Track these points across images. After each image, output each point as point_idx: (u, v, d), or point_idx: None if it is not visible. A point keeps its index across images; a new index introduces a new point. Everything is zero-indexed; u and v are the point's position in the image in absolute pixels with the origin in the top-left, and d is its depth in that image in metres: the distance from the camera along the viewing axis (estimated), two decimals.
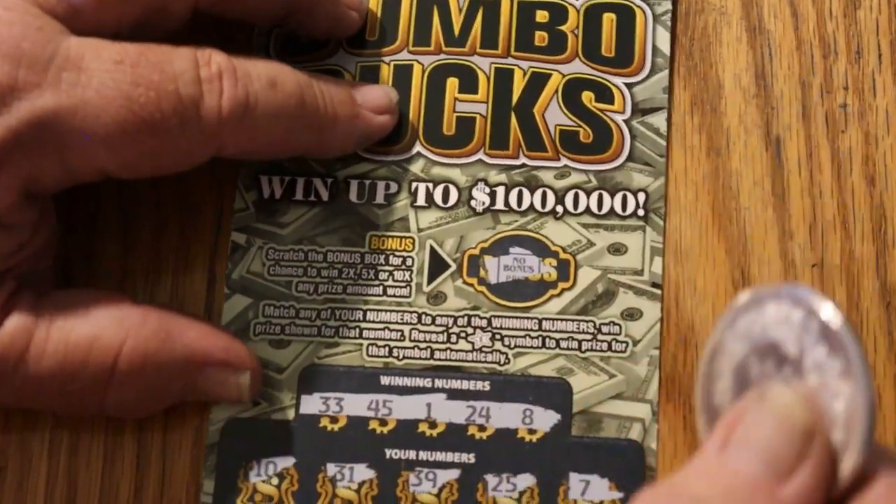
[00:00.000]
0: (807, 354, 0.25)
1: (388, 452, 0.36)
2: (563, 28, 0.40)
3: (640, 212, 0.39)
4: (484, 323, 0.38)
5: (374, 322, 0.37)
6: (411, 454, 0.36)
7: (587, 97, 0.40)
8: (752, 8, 0.43)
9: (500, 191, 0.39)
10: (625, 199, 0.39)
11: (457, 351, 0.37)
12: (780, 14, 0.43)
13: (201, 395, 0.36)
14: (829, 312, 0.25)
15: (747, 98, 0.42)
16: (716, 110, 0.42)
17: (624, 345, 0.38)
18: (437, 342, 0.37)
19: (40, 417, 0.39)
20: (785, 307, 0.26)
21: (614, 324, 0.38)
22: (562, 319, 0.38)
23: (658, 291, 0.38)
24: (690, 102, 0.42)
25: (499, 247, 0.38)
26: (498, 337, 0.37)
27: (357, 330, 0.37)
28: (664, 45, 0.40)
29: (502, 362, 0.37)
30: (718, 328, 0.28)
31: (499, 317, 0.38)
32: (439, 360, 0.37)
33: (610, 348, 0.38)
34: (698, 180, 0.42)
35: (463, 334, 0.37)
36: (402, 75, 0.40)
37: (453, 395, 0.37)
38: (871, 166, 0.41)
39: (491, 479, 0.36)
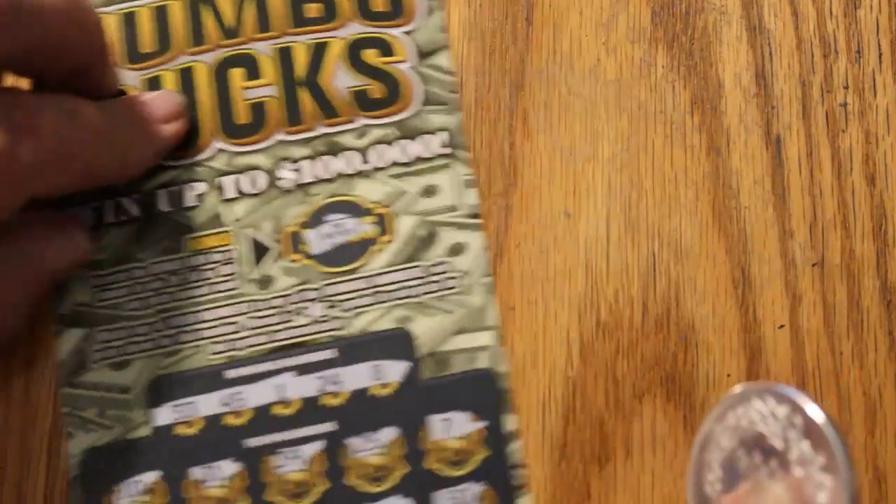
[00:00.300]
0: (792, 448, 0.26)
1: (249, 442, 0.38)
2: None
3: (445, 150, 0.41)
4: (316, 294, 0.39)
5: (209, 321, 0.39)
6: (273, 438, 0.38)
7: (371, 55, 0.42)
8: (753, 7, 0.43)
9: (306, 164, 0.40)
10: (427, 142, 0.41)
11: (296, 327, 0.39)
12: (781, 13, 0.43)
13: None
14: (812, 409, 0.26)
15: (747, 97, 0.42)
16: (716, 109, 0.42)
17: (455, 280, 0.40)
18: (274, 324, 0.39)
19: (40, 417, 0.39)
20: (771, 403, 0.27)
21: (441, 263, 0.40)
22: (390, 272, 0.40)
23: (477, 221, 0.40)
24: (690, 102, 0.42)
25: (315, 218, 0.40)
26: (333, 304, 0.39)
27: (194, 332, 0.39)
28: None
29: (342, 327, 0.39)
30: (708, 420, 0.29)
31: (330, 284, 0.39)
32: (281, 340, 0.39)
33: (443, 287, 0.39)
34: (698, 180, 0.42)
35: (298, 310, 0.39)
36: (187, 78, 0.41)
37: (302, 370, 0.39)
38: (871, 165, 0.41)
39: (354, 441, 0.38)
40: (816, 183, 0.41)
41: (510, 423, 0.38)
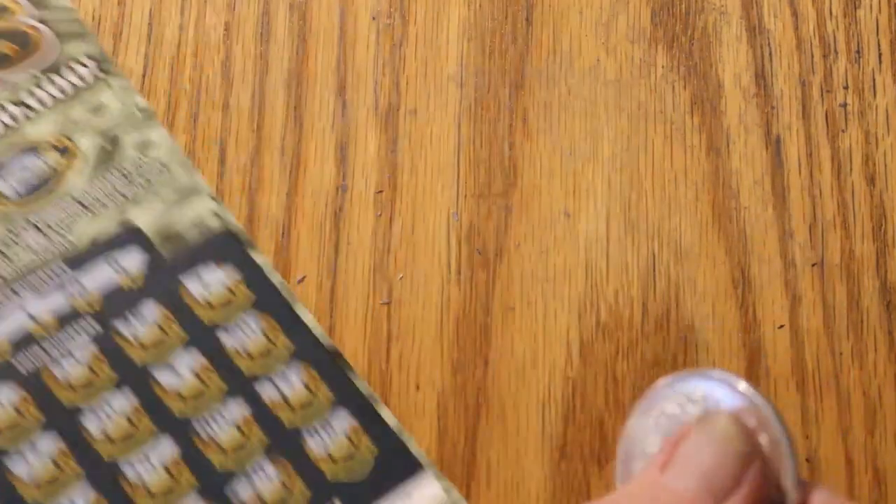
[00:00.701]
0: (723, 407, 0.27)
1: (21, 367, 0.39)
2: None
3: (99, 73, 0.44)
4: (27, 227, 0.41)
5: None
6: (41, 356, 0.39)
7: None
8: (752, 7, 0.43)
9: None
10: (79, 72, 0.44)
11: (18, 259, 0.41)
12: (780, 13, 0.43)
13: None
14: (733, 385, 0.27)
15: (747, 97, 0.42)
16: (716, 110, 0.42)
17: (157, 170, 0.42)
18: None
19: None
20: (693, 384, 0.28)
21: (138, 161, 0.42)
22: (93, 185, 0.42)
23: (152, 109, 0.43)
24: (690, 102, 0.42)
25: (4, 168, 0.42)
26: (49, 233, 0.41)
27: None
28: None
29: (67, 245, 0.41)
30: (632, 416, 0.29)
31: (36, 214, 0.41)
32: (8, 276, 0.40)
33: (147, 180, 0.42)
34: (698, 180, 0.42)
35: (12, 243, 0.41)
36: None
37: (44, 293, 0.40)
38: (871, 165, 0.41)
39: (120, 326, 0.39)
40: (816, 183, 0.41)
41: (259, 257, 0.40)
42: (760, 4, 0.43)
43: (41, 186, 0.42)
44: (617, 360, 0.40)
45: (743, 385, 0.28)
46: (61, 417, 0.38)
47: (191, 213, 0.41)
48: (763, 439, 0.27)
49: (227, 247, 0.41)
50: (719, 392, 0.28)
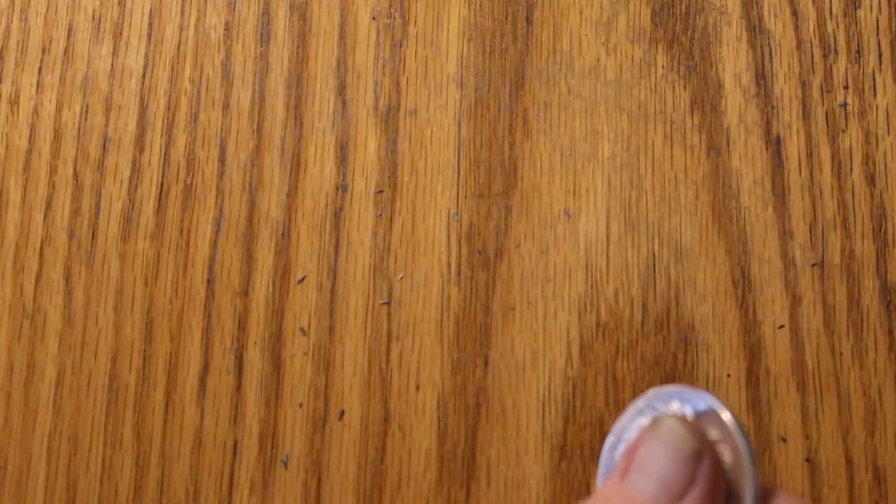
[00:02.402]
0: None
1: None
2: None
3: None
4: None
5: None
6: None
7: None
8: (753, 7, 0.43)
9: None
10: None
11: None
12: (781, 13, 0.43)
13: None
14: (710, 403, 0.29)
15: (747, 97, 0.42)
16: (716, 109, 0.42)
17: None
18: None
19: (40, 417, 0.39)
20: (675, 405, 0.29)
21: None
22: None
23: None
24: (690, 102, 0.42)
25: None
26: None
27: None
28: None
29: None
30: (618, 422, 0.30)
31: None
32: None
33: None
34: (698, 180, 0.42)
35: None
36: None
37: None
38: (871, 165, 0.41)
39: None
40: (816, 183, 0.41)
41: None
42: (760, 4, 0.43)
43: None
44: (617, 360, 0.40)
45: (707, 396, 0.29)
46: None
47: None
48: (724, 447, 0.28)
49: None
50: (685, 401, 0.29)
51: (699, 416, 0.29)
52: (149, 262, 0.43)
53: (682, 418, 0.28)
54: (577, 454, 0.39)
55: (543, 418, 0.39)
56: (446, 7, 0.44)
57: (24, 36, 0.46)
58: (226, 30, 0.45)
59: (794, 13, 0.43)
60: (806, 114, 0.42)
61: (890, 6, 0.43)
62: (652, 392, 0.30)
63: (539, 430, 0.39)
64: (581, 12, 0.44)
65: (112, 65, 0.45)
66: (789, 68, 0.43)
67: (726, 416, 0.28)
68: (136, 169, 0.44)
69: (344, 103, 0.44)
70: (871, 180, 0.41)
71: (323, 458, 0.40)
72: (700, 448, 0.28)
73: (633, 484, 0.27)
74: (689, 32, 0.43)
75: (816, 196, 0.41)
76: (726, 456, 0.28)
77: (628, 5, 0.44)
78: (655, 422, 0.29)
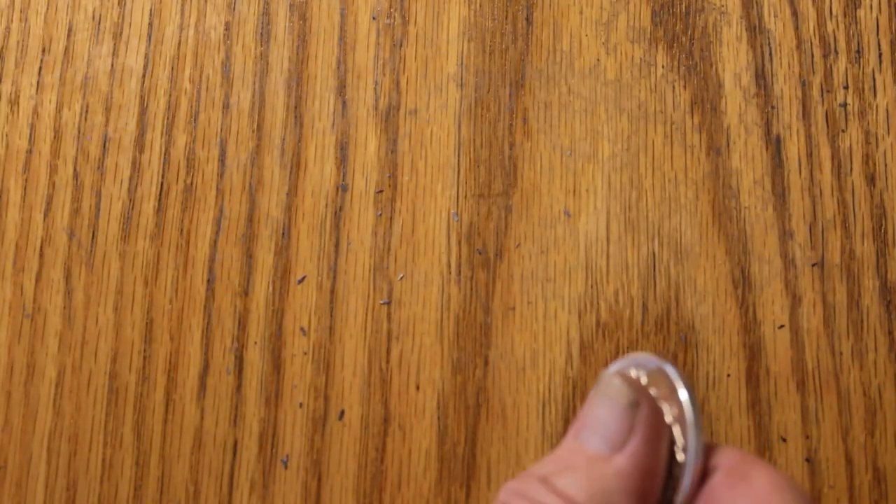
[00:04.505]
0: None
1: None
2: None
3: None
4: None
5: None
6: None
7: None
8: (752, 7, 0.43)
9: None
10: None
11: None
12: (781, 13, 0.43)
13: None
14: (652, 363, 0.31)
15: (747, 97, 0.42)
16: (716, 109, 0.42)
17: None
18: None
19: (40, 417, 0.39)
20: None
21: None
22: None
23: None
24: (690, 102, 0.43)
25: None
26: None
27: None
28: None
29: None
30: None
31: None
32: None
33: None
34: (698, 179, 0.42)
35: None
36: None
37: None
38: (871, 165, 0.41)
39: None
40: (816, 183, 0.41)
41: None
42: (760, 4, 0.43)
43: None
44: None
45: (658, 359, 0.31)
46: None
47: None
48: (672, 403, 0.30)
49: None
50: (640, 366, 0.31)
51: (650, 375, 0.31)
52: (149, 262, 0.43)
53: (623, 374, 0.30)
54: None
55: (543, 418, 0.39)
56: (446, 7, 0.44)
57: (24, 36, 0.46)
58: (226, 30, 0.45)
59: (794, 13, 0.43)
60: (806, 114, 0.42)
61: (890, 6, 0.43)
62: (616, 363, 0.31)
63: (539, 430, 0.39)
64: (581, 12, 0.44)
65: (112, 65, 0.45)
66: (789, 68, 0.43)
67: (670, 370, 0.30)
68: (136, 169, 0.44)
69: (344, 103, 0.44)
70: (871, 180, 0.41)
71: (323, 457, 0.40)
72: (636, 398, 0.30)
73: (583, 439, 0.29)
74: (689, 32, 0.43)
75: (816, 196, 0.41)
76: (672, 410, 0.30)
77: (628, 5, 0.44)
78: (598, 380, 0.31)
